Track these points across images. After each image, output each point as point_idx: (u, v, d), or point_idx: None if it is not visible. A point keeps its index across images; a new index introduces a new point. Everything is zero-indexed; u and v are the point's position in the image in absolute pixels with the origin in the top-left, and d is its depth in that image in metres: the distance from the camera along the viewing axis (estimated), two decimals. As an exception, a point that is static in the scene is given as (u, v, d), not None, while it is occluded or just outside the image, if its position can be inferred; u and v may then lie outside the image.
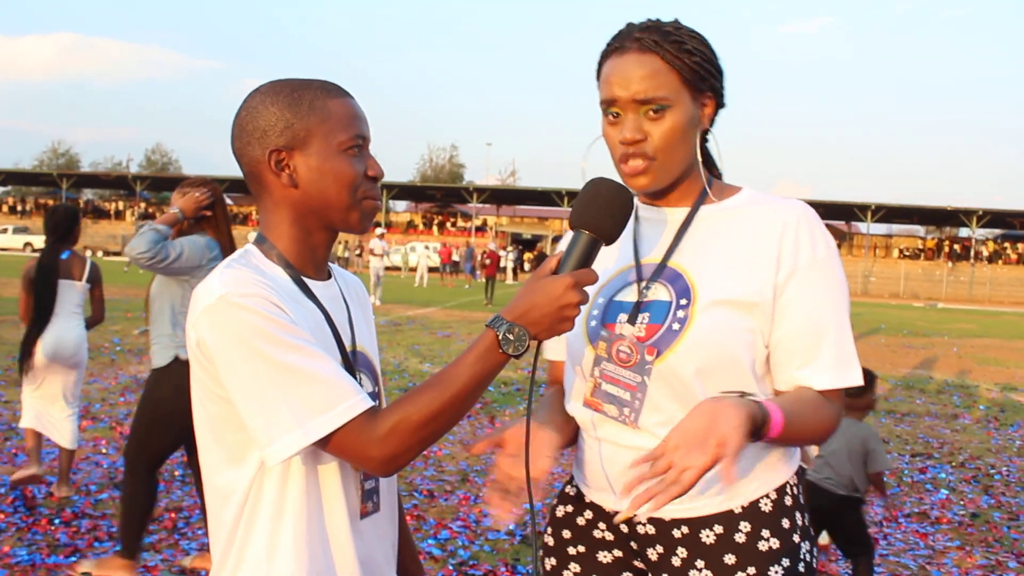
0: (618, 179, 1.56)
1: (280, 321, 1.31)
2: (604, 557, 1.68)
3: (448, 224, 60.29)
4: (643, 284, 1.62)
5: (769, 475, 1.60)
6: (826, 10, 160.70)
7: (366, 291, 1.69)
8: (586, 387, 1.64)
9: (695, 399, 1.50)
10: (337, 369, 1.33)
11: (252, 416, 1.30)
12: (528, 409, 1.45)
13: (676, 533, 1.59)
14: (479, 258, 34.65)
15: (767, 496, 1.59)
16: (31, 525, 4.57)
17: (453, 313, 20.00)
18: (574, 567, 1.70)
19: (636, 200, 1.71)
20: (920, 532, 5.22)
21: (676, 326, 1.55)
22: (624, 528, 1.64)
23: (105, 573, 3.89)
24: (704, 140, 1.68)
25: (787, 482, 1.62)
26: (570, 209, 1.46)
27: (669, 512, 1.57)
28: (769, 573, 1.54)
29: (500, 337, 1.33)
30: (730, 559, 1.54)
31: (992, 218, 49.94)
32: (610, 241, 1.45)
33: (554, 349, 1.81)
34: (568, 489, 1.77)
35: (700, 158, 1.65)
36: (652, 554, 1.62)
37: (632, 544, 1.66)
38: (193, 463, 4.15)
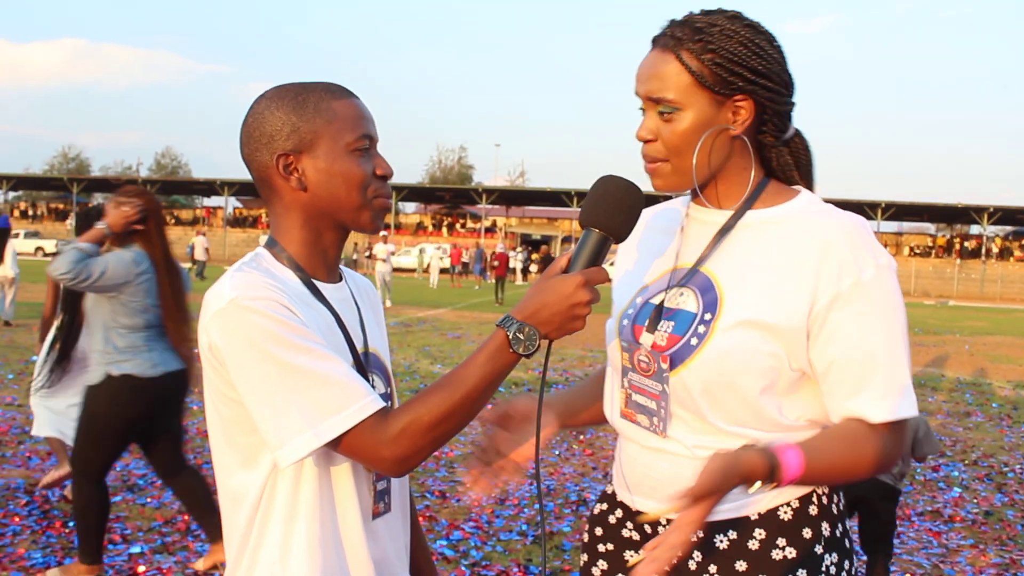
0: (631, 177, 1.55)
1: (291, 324, 1.31)
2: (629, 556, 1.68)
3: (457, 225, 60.38)
4: (672, 290, 1.59)
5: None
6: (826, 10, 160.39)
7: (377, 293, 1.70)
8: (620, 398, 1.65)
9: (704, 416, 1.51)
10: (348, 371, 1.34)
11: (264, 419, 1.31)
12: (539, 411, 1.45)
13: (692, 536, 1.58)
14: (488, 259, 34.68)
15: (787, 504, 1.54)
16: (45, 528, 4.60)
17: (464, 314, 20.00)
18: (602, 564, 1.71)
19: (688, 200, 1.68)
20: (933, 530, 5.20)
21: (695, 341, 1.52)
22: (648, 529, 1.65)
23: None
24: (759, 142, 1.58)
25: (813, 491, 1.55)
26: (579, 210, 1.45)
27: None
28: None
29: (510, 337, 1.33)
30: (741, 565, 1.53)
31: (1003, 215, 49.67)
32: (620, 239, 1.43)
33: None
34: (608, 488, 1.78)
35: (756, 161, 1.57)
36: None
37: None
38: (153, 462, 4.21)
